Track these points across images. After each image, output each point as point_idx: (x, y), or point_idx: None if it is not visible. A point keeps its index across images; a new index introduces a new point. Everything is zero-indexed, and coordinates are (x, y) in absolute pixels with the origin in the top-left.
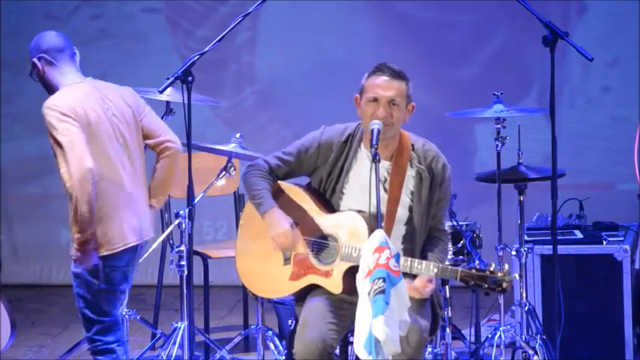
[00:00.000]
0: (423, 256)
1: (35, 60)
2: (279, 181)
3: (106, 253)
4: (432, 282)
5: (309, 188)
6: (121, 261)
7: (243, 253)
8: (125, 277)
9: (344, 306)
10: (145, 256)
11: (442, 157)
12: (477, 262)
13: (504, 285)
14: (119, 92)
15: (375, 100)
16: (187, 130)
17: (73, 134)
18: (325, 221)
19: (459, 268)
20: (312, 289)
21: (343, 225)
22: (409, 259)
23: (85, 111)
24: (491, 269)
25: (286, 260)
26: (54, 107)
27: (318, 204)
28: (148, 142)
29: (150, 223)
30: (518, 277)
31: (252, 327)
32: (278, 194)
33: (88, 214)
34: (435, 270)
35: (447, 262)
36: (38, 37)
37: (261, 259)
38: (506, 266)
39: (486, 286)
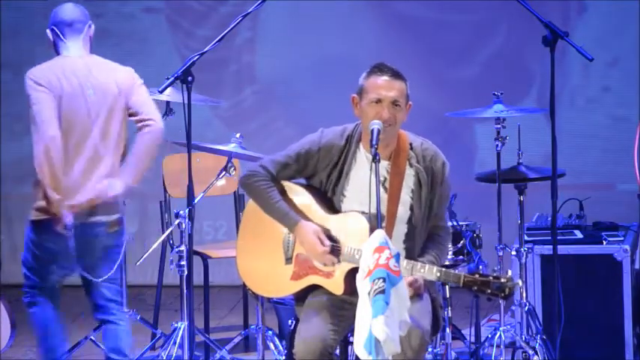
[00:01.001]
0: (421, 254)
1: (48, 30)
2: (282, 182)
3: (35, 218)
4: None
5: (311, 188)
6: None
7: (245, 253)
8: (53, 250)
9: (345, 306)
10: (145, 256)
11: (441, 154)
12: (480, 266)
13: (507, 291)
14: (113, 71)
15: (379, 101)
16: (187, 130)
17: (43, 101)
18: (328, 222)
19: (463, 273)
20: (313, 289)
21: (346, 226)
22: (412, 262)
23: (60, 82)
24: (495, 274)
25: (288, 260)
26: (32, 77)
27: (321, 204)
28: (133, 119)
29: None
30: (521, 284)
31: (252, 327)
32: (281, 195)
33: (51, 178)
34: (438, 274)
35: (446, 261)
36: (56, 8)
37: (263, 258)
38: (510, 272)
39: (489, 291)
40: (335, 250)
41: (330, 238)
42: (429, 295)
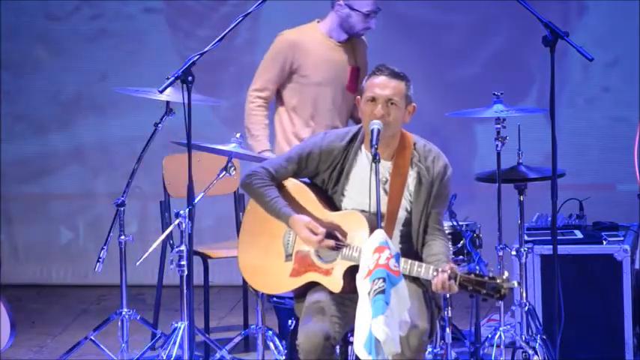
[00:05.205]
0: (424, 259)
1: None
2: (284, 180)
3: None
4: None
5: (312, 186)
6: None
7: (246, 249)
8: None
9: (345, 302)
10: (145, 256)
11: (443, 157)
12: (477, 266)
13: (503, 292)
14: None
15: (373, 99)
16: (187, 130)
17: None
18: (327, 219)
19: (458, 273)
20: (312, 286)
21: (345, 224)
22: (409, 261)
23: None
24: (491, 275)
25: (288, 257)
26: None
27: (321, 202)
28: None
29: None
30: (517, 285)
31: (252, 327)
32: (282, 192)
33: None
34: (435, 273)
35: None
36: None
37: (263, 254)
38: (506, 273)
39: (484, 292)
40: (338, 247)
41: (331, 235)
42: (428, 295)
